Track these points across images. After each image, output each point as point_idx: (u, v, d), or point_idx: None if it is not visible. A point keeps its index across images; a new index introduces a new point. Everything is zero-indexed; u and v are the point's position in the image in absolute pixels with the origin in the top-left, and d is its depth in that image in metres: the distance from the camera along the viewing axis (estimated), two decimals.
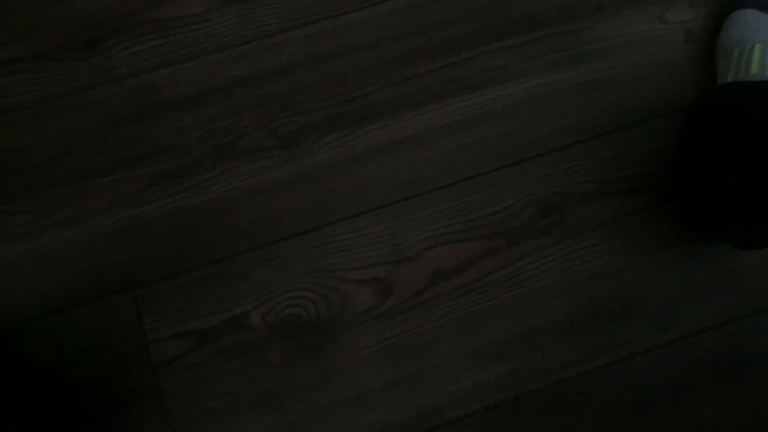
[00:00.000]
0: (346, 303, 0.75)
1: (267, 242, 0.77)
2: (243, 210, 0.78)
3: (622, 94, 0.81)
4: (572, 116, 0.80)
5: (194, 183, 0.79)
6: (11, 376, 0.68)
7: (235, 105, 0.81)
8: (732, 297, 0.75)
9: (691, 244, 0.76)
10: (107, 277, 0.76)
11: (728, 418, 0.73)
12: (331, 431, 0.73)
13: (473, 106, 0.81)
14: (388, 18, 0.83)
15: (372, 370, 0.74)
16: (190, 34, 0.83)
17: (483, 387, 0.73)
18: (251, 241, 0.77)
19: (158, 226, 0.78)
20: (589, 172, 0.79)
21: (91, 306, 0.75)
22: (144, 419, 0.73)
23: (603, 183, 0.78)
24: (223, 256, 0.77)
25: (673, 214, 0.77)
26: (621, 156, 0.79)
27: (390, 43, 0.83)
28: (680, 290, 0.75)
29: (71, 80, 0.82)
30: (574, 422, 0.73)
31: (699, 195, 0.70)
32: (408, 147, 0.80)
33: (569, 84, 0.81)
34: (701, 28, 0.82)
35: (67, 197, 0.78)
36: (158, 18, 0.83)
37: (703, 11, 0.83)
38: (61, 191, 0.79)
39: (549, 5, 0.83)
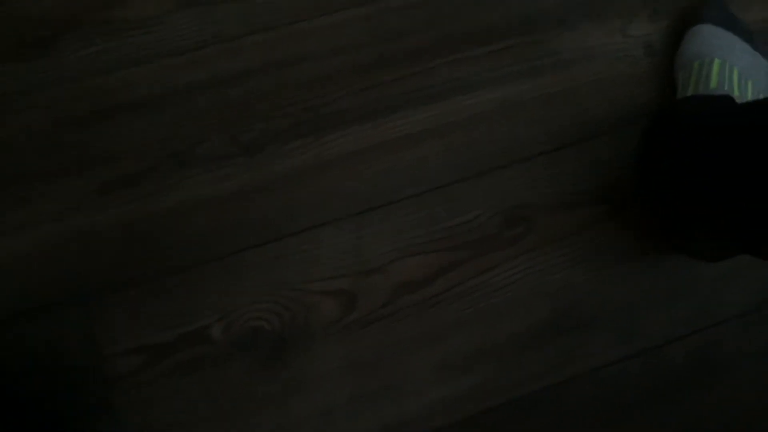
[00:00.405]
0: (310, 315, 0.73)
1: (227, 253, 0.75)
2: (201, 219, 0.75)
3: (585, 105, 0.81)
4: (536, 127, 0.81)
5: (149, 191, 0.76)
6: None
7: (193, 110, 0.78)
8: (695, 308, 0.76)
9: (654, 255, 0.77)
10: (57, 289, 0.72)
11: (696, 427, 0.73)
12: None
13: (437, 117, 0.80)
14: (349, 26, 0.82)
15: (337, 384, 0.72)
16: (146, 36, 0.80)
17: (450, 400, 0.72)
18: (210, 252, 0.75)
19: (111, 235, 0.74)
20: (553, 183, 0.79)
21: (40, 319, 0.71)
22: None
23: (567, 194, 0.79)
24: (182, 266, 0.74)
25: (636, 225, 0.78)
26: (584, 167, 0.79)
27: (352, 50, 0.82)
28: (643, 301, 0.76)
29: (15, 81, 0.77)
30: None
31: (659, 207, 0.71)
32: (372, 156, 0.79)
33: (532, 95, 0.82)
34: (661, 42, 0.84)
35: (9, 203, 0.74)
36: (113, 19, 0.80)
37: (663, 26, 0.84)
38: (2, 196, 0.74)
39: (511, 17, 0.84)
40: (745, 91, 0.72)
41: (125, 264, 0.74)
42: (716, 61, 0.74)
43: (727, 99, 0.68)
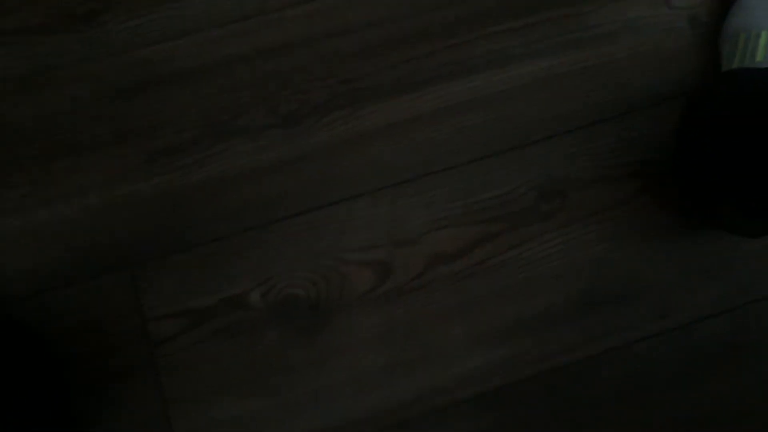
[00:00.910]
0: (345, 284, 0.75)
1: (266, 222, 0.77)
2: (241, 189, 0.77)
3: (625, 80, 0.80)
4: (574, 101, 0.80)
5: (191, 161, 0.78)
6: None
7: (234, 82, 0.80)
8: (730, 285, 0.76)
9: (690, 231, 0.77)
10: (102, 255, 0.75)
11: (724, 406, 0.73)
12: (328, 412, 0.73)
13: (474, 89, 0.80)
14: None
15: (370, 351, 0.74)
16: (189, 9, 0.81)
17: (482, 371, 0.73)
18: (250, 221, 0.76)
19: (154, 204, 0.77)
20: (591, 157, 0.78)
21: (85, 284, 0.74)
22: (137, 399, 0.72)
23: (604, 169, 0.78)
24: (222, 235, 0.76)
25: (674, 200, 0.77)
26: (622, 142, 0.79)
27: (388, 23, 0.82)
28: (678, 277, 0.76)
29: (64, 53, 0.80)
30: (569, 407, 0.73)
31: (697, 182, 0.70)
32: (408, 129, 0.79)
33: (571, 69, 0.81)
34: (707, 14, 0.82)
35: (59, 173, 0.77)
36: None
37: None
38: (53, 166, 0.77)
39: None
40: None
41: (169, 231, 0.76)
42: (764, 33, 0.72)
43: None
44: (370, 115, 0.80)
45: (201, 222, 0.76)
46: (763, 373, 0.74)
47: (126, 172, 0.77)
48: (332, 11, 0.82)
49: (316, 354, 0.74)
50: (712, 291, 0.76)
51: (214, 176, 0.78)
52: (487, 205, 0.77)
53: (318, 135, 0.79)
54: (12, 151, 0.77)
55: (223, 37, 0.81)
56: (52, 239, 0.75)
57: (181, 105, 0.79)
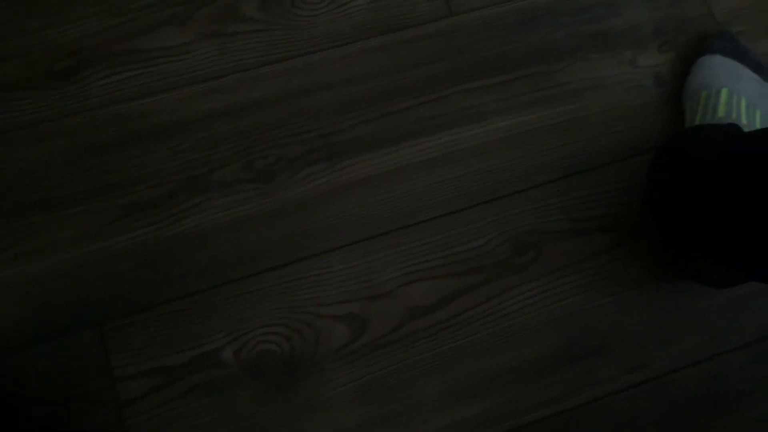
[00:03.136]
0: (320, 339, 0.74)
1: (240, 276, 0.76)
2: (216, 243, 0.77)
3: (595, 134, 0.82)
4: (547, 155, 0.82)
5: (167, 215, 0.78)
6: None
7: (211, 137, 0.81)
8: (706, 335, 0.76)
9: (664, 282, 0.77)
10: (72, 312, 0.74)
11: None
12: None
13: (450, 144, 0.82)
14: (363, 57, 0.84)
15: (346, 408, 0.72)
16: (167, 65, 0.83)
17: (460, 426, 0.72)
18: (224, 275, 0.76)
19: (127, 259, 0.76)
20: (564, 210, 0.79)
21: (54, 342, 0.72)
22: None
23: (577, 221, 0.79)
24: (195, 290, 0.75)
25: (646, 252, 0.78)
26: (594, 195, 0.80)
27: (365, 80, 0.84)
28: (654, 328, 0.76)
29: (44, 109, 0.80)
30: None
31: (667, 235, 0.71)
32: (384, 183, 0.80)
33: (544, 124, 0.83)
34: (671, 73, 0.85)
35: (30, 229, 0.76)
36: (136, 49, 0.83)
37: (672, 56, 0.85)
38: (23, 222, 0.76)
39: (523, 48, 0.85)
40: (753, 120, 0.73)
41: (141, 287, 0.75)
42: (724, 91, 0.75)
43: (734, 127, 0.69)
44: (347, 169, 0.80)
45: (175, 277, 0.76)
46: (739, 422, 0.74)
47: (99, 228, 0.77)
48: (309, 68, 0.84)
49: (291, 411, 0.72)
50: (687, 342, 0.76)
51: (189, 231, 0.77)
52: (463, 257, 0.78)
53: (294, 189, 0.79)
54: None
55: (201, 93, 0.82)
56: (22, 296, 0.74)
57: (158, 160, 0.79)
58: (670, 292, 0.77)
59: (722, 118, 0.73)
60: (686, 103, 0.79)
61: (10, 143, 0.79)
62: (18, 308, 0.74)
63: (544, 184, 0.80)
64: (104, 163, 0.79)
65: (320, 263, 0.77)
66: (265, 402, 0.72)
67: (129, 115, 0.81)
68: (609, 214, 0.79)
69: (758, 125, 0.73)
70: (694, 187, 0.64)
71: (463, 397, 0.73)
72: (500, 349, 0.75)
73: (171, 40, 0.84)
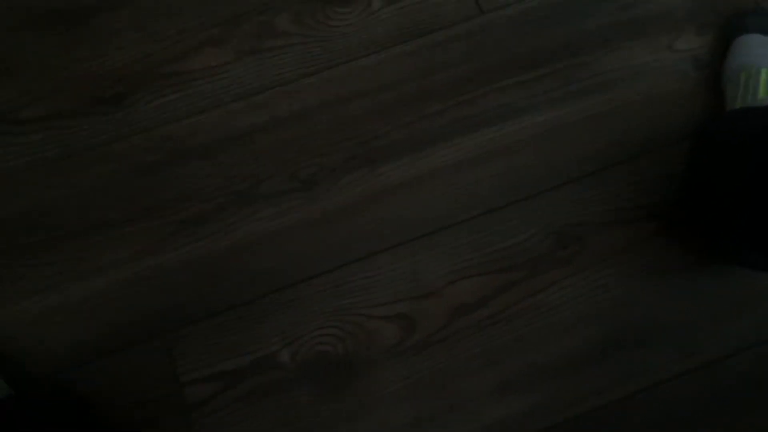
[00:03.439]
0: (372, 339, 0.77)
1: (291, 283, 0.79)
2: (266, 252, 0.80)
3: (632, 124, 0.82)
4: (584, 148, 0.82)
5: (217, 229, 0.81)
6: (45, 425, 0.69)
7: (255, 150, 0.84)
8: (752, 320, 0.75)
9: (707, 269, 0.77)
10: (136, 326, 0.78)
11: None
12: None
13: (486, 143, 0.83)
14: (396, 62, 0.86)
15: (399, 405, 0.75)
16: (209, 85, 0.86)
17: (511, 420, 0.74)
18: (276, 283, 0.79)
19: (183, 272, 0.80)
20: (604, 201, 0.80)
21: (122, 354, 0.77)
22: None
23: (618, 212, 0.79)
24: (250, 298, 0.78)
25: (689, 239, 0.78)
26: (634, 184, 0.80)
27: (399, 85, 0.85)
28: (700, 315, 0.76)
29: (96, 135, 0.85)
30: None
31: (708, 221, 0.71)
32: (423, 185, 0.82)
33: (579, 117, 0.83)
34: (709, 55, 0.84)
35: (91, 249, 0.81)
36: (180, 71, 0.87)
37: (709, 39, 0.84)
38: (85, 243, 0.81)
39: (555, 41, 0.86)
40: None
41: (199, 298, 0.79)
42: (763, 70, 0.74)
43: None
44: (387, 173, 0.82)
45: (230, 287, 0.79)
46: None
47: (156, 244, 0.81)
48: (345, 77, 0.86)
49: (348, 410, 0.75)
50: (733, 328, 0.75)
51: (239, 242, 0.81)
52: (506, 254, 0.79)
53: (337, 196, 0.82)
54: (46, 231, 0.81)
55: (243, 109, 0.85)
56: (89, 314, 0.78)
57: (205, 176, 0.83)
58: (714, 277, 0.76)
59: (764, 99, 0.72)
60: (726, 85, 0.78)
61: (68, 169, 0.83)
62: (84, 324, 0.78)
63: (583, 177, 0.81)
64: (156, 182, 0.83)
65: (367, 266, 0.79)
66: (322, 401, 0.75)
67: (176, 135, 0.84)
68: (651, 203, 0.79)
69: None
70: (727, 172, 0.63)
71: (512, 392, 0.74)
72: (547, 342, 0.76)
73: (211, 60, 0.87)
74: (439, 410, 0.74)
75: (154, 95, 0.86)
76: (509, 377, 0.75)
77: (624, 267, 0.77)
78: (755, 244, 0.61)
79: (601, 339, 0.76)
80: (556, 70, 0.85)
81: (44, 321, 0.78)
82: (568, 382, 0.75)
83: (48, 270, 0.80)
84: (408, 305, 0.78)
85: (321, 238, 0.80)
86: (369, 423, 0.74)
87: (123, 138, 0.85)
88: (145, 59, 0.87)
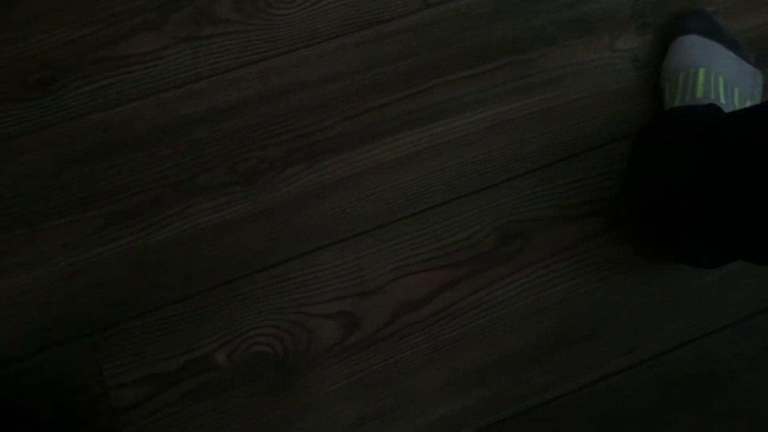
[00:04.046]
0: (312, 338, 0.74)
1: (228, 279, 0.76)
2: (203, 248, 0.77)
3: (576, 120, 0.83)
4: (529, 144, 0.82)
5: (151, 222, 0.77)
6: None
7: (192, 142, 0.80)
8: (694, 316, 0.77)
9: (652, 264, 0.78)
10: (62, 324, 0.73)
11: None
12: None
13: (431, 137, 0.82)
14: (340, 53, 0.84)
15: (342, 405, 0.72)
16: (144, 71, 0.82)
17: (456, 416, 0.73)
18: (212, 279, 0.76)
19: (115, 267, 0.75)
20: (548, 198, 0.80)
21: (47, 354, 0.72)
22: None
23: (562, 208, 0.79)
24: (184, 295, 0.75)
25: (633, 235, 0.79)
26: (579, 181, 0.80)
27: (343, 77, 0.83)
28: (644, 311, 0.77)
29: (21, 121, 0.80)
30: None
31: (650, 220, 0.72)
32: (368, 179, 0.80)
33: (524, 113, 0.83)
34: (649, 55, 0.85)
35: (15, 243, 0.76)
36: (112, 56, 0.82)
37: (649, 38, 0.86)
38: (8, 237, 0.76)
39: (500, 37, 0.85)
40: (731, 99, 0.73)
41: (131, 295, 0.75)
42: (701, 71, 0.76)
43: (712, 107, 0.69)
44: (330, 168, 0.80)
45: (163, 283, 0.75)
46: (733, 400, 0.74)
47: (85, 238, 0.76)
48: (286, 68, 0.83)
49: (288, 411, 0.72)
50: (677, 322, 0.76)
51: (174, 237, 0.77)
52: (451, 249, 0.78)
53: (278, 190, 0.79)
54: None
55: (179, 97, 0.81)
56: (11, 311, 0.73)
57: (140, 167, 0.79)
58: (659, 274, 0.77)
59: (701, 99, 0.73)
60: (664, 85, 0.79)
61: None
62: (8, 322, 0.73)
63: (528, 172, 0.81)
64: (86, 173, 0.78)
65: (309, 262, 0.77)
66: (260, 403, 0.72)
67: (108, 123, 0.80)
68: (594, 199, 0.80)
69: (737, 103, 0.74)
70: (674, 172, 0.64)
71: (458, 388, 0.73)
72: (493, 338, 0.75)
73: (146, 46, 0.83)
74: (384, 408, 0.72)
75: (84, 81, 0.81)
76: (454, 374, 0.74)
77: (569, 263, 0.78)
78: (706, 242, 0.62)
79: (546, 335, 0.75)
80: (502, 65, 0.84)
81: None
82: (514, 378, 0.74)
83: None
84: (350, 302, 0.76)
85: (261, 234, 0.77)
86: (310, 424, 0.72)
87: (49, 126, 0.79)
88: (74, 43, 0.82)
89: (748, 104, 0.76)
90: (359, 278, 0.76)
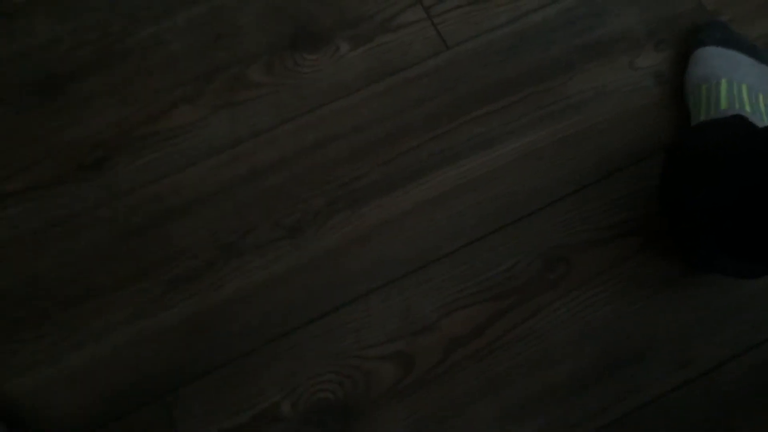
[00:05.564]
0: (371, 381, 0.77)
1: (284, 332, 0.79)
2: (258, 304, 0.80)
3: (604, 143, 0.84)
4: (560, 170, 0.84)
5: (208, 284, 0.81)
6: None
7: (237, 203, 0.84)
8: (743, 326, 0.77)
9: (693, 279, 0.78)
10: (135, 390, 0.78)
11: None
12: None
13: (463, 174, 0.84)
14: (368, 103, 0.88)
15: None
16: (187, 142, 0.87)
17: None
18: (269, 333, 0.79)
19: (177, 331, 0.80)
20: (585, 221, 0.81)
21: (124, 421, 0.76)
22: None
23: (600, 230, 0.81)
24: (245, 350, 0.79)
25: (670, 251, 0.80)
26: (612, 202, 0.82)
27: (374, 125, 0.87)
28: (692, 325, 0.77)
29: (79, 202, 0.85)
30: None
31: (686, 234, 0.72)
32: (407, 221, 0.83)
33: (552, 140, 0.85)
34: (671, 70, 0.86)
35: (85, 316, 0.81)
36: (156, 131, 0.87)
37: (669, 54, 0.87)
38: (77, 311, 0.81)
39: (521, 69, 0.88)
40: (757, 106, 0.74)
41: (195, 355, 0.79)
42: (723, 82, 0.77)
43: (738, 118, 0.70)
44: (370, 213, 0.83)
45: (224, 341, 0.79)
46: None
47: (148, 305, 0.81)
48: (319, 122, 0.87)
49: None
50: (727, 334, 0.77)
51: (230, 295, 0.81)
52: (495, 282, 0.80)
53: (323, 240, 0.83)
54: (38, 303, 0.81)
55: (222, 163, 0.86)
56: (86, 382, 0.78)
57: (191, 233, 0.83)
58: (701, 286, 0.78)
59: (725, 110, 0.74)
60: (688, 99, 0.80)
61: (53, 239, 0.84)
62: (84, 392, 0.78)
63: (562, 198, 0.82)
64: (143, 243, 0.83)
65: (359, 307, 0.80)
66: None
67: (159, 195, 0.85)
68: (630, 218, 0.81)
69: (763, 108, 0.74)
70: (700, 184, 0.65)
71: (513, 420, 0.75)
72: (543, 367, 0.77)
73: (186, 117, 0.88)
74: None
75: (133, 157, 0.87)
76: (509, 405, 0.76)
77: (612, 284, 0.79)
78: (733, 252, 0.63)
79: (597, 358, 0.77)
80: (524, 97, 0.87)
81: (41, 394, 0.78)
82: (569, 404, 0.75)
83: (41, 343, 0.80)
84: (403, 343, 0.78)
85: (311, 284, 0.81)
86: None
87: (105, 203, 0.85)
88: (121, 123, 0.88)
89: None
90: (408, 318, 0.79)
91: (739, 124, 0.69)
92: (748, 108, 0.74)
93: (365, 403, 0.76)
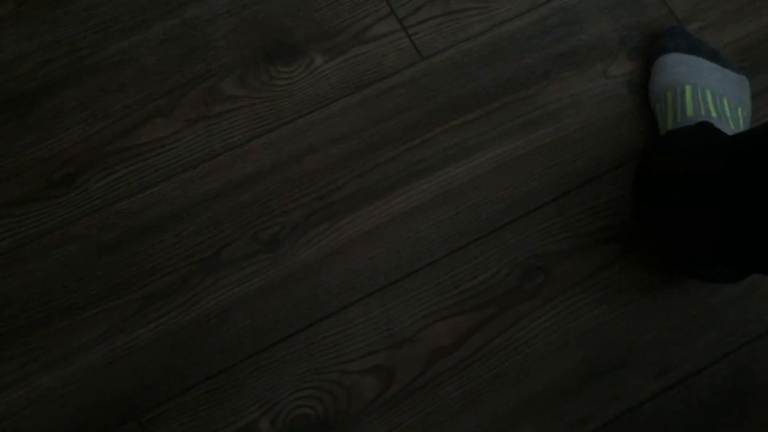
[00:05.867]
0: (351, 395, 0.76)
1: (263, 347, 0.78)
2: (235, 319, 0.79)
3: (581, 150, 0.85)
4: (538, 179, 0.84)
5: (183, 300, 0.80)
6: None
7: (213, 217, 0.83)
8: (722, 331, 0.77)
9: (672, 285, 0.79)
10: (110, 409, 0.76)
11: None
12: None
13: (441, 184, 0.84)
14: (344, 114, 0.87)
15: None
16: (160, 157, 0.86)
17: None
18: (247, 349, 0.78)
19: (153, 349, 0.78)
20: (564, 229, 0.81)
21: None
22: None
23: (579, 237, 0.81)
24: (222, 367, 0.77)
25: (649, 257, 0.80)
26: (591, 209, 0.82)
27: (350, 136, 0.86)
28: (670, 332, 0.77)
29: (49, 219, 0.83)
30: None
31: (663, 241, 0.72)
32: (386, 232, 0.82)
33: (529, 149, 0.85)
34: (643, 78, 0.87)
35: (56, 336, 0.79)
36: (129, 146, 0.86)
37: (642, 62, 0.88)
38: (49, 331, 0.79)
39: (494, 79, 0.88)
40: (722, 110, 0.75)
41: (172, 373, 0.77)
42: (687, 88, 0.77)
43: (704, 125, 0.70)
44: (348, 226, 0.83)
45: (201, 358, 0.78)
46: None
47: (122, 323, 0.79)
48: (296, 134, 0.86)
49: None
50: (707, 338, 0.77)
51: (207, 311, 0.80)
52: (474, 292, 0.79)
53: (301, 253, 0.82)
54: (7, 323, 0.79)
55: (197, 177, 0.85)
56: (59, 402, 0.76)
57: (166, 248, 0.82)
58: (681, 292, 0.78)
59: (692, 117, 0.74)
60: (655, 107, 0.81)
61: (24, 257, 0.82)
62: (56, 414, 0.76)
63: (541, 207, 0.82)
64: (116, 260, 0.82)
65: (339, 321, 0.79)
66: None
67: (132, 210, 0.84)
68: (609, 225, 0.81)
69: (728, 113, 0.75)
70: (676, 195, 0.65)
71: (499, 429, 0.74)
72: (526, 376, 0.76)
73: (160, 131, 0.87)
74: None
75: (105, 173, 0.85)
76: (492, 416, 0.75)
77: (592, 292, 0.79)
78: (720, 259, 0.63)
79: (577, 367, 0.76)
80: (501, 106, 0.87)
81: (11, 417, 0.75)
82: (552, 414, 0.75)
83: (12, 364, 0.77)
84: (384, 355, 0.77)
85: (289, 298, 0.80)
86: None
87: (76, 219, 0.83)
88: (92, 137, 0.87)
89: (739, 112, 0.77)
90: (389, 330, 0.78)
91: (705, 131, 0.70)
92: (714, 113, 0.74)
93: (345, 418, 0.75)
